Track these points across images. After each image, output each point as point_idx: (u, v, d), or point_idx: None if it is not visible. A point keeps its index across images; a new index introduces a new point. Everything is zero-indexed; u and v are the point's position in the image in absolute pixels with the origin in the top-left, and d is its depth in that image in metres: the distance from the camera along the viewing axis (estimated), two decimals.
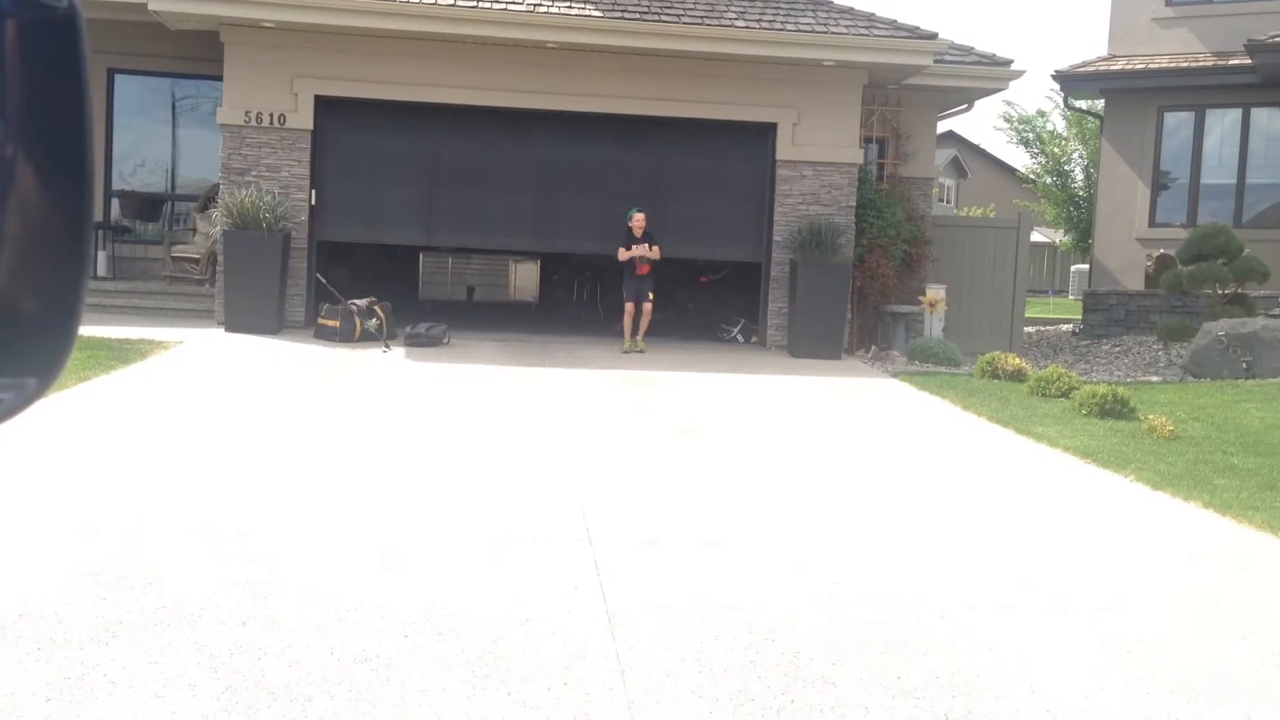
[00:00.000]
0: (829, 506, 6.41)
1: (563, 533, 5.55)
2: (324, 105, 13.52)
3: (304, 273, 13.51)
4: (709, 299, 16.76)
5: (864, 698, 3.76)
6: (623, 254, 13.13)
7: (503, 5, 13.12)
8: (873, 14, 14.26)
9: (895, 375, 12.62)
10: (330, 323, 12.77)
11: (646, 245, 13.20)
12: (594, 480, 6.72)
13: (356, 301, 12.95)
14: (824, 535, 5.78)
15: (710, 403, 10.10)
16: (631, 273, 13.29)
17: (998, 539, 5.86)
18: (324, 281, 13.08)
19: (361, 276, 15.02)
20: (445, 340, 12.91)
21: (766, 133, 14.23)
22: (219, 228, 13.27)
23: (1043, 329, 21.42)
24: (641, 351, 12.95)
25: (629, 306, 13.23)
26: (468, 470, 6.84)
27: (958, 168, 44.30)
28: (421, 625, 4.20)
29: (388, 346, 12.47)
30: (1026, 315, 18.34)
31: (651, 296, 13.18)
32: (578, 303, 17.14)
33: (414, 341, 12.67)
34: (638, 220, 13.18)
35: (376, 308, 13.00)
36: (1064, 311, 27.22)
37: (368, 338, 12.79)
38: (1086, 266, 23.43)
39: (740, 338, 15.03)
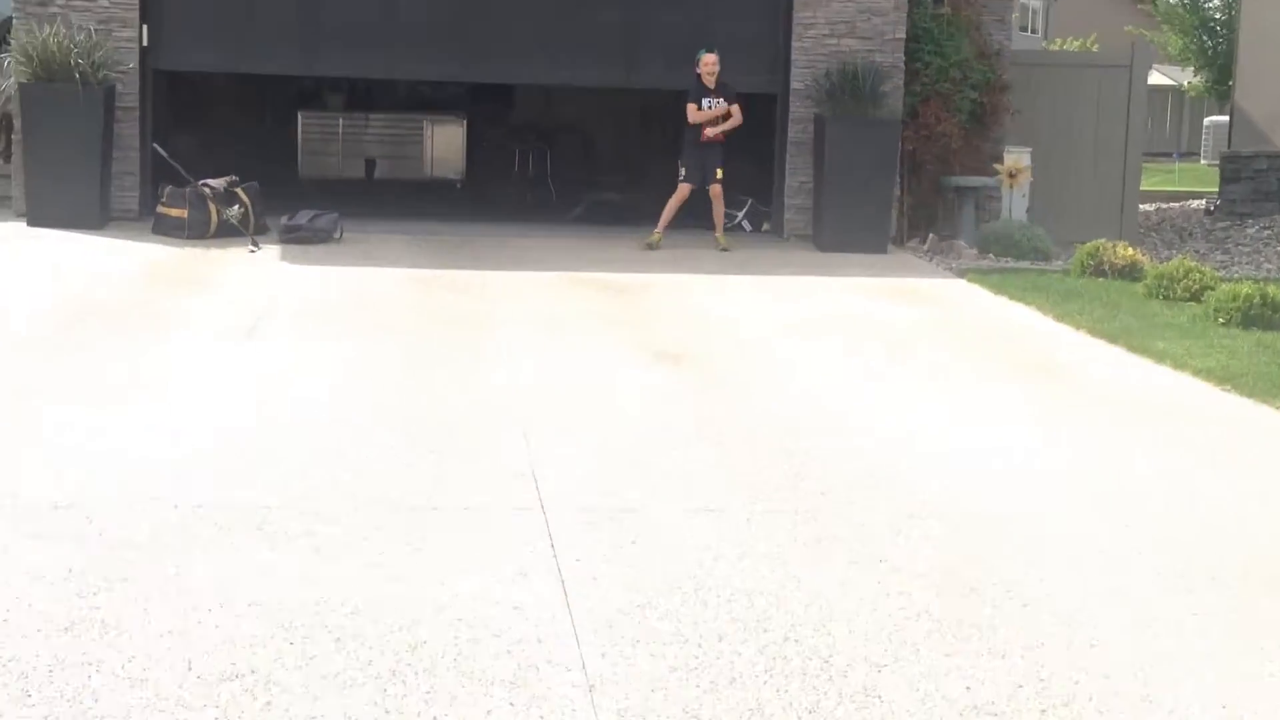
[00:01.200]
0: (868, 462, 6.47)
1: (505, 499, 5.63)
2: None
3: (136, 142, 13.44)
4: None
5: (921, 715, 3.90)
6: (694, 114, 13.25)
7: None
8: None
9: (962, 274, 12.80)
10: (175, 212, 12.77)
11: (723, 102, 13.32)
12: (546, 429, 6.77)
13: (211, 182, 12.93)
14: (859, 499, 5.85)
15: (705, 317, 10.22)
16: (695, 141, 13.41)
17: (1099, 519, 5.83)
18: (164, 154, 13.01)
19: (217, 147, 14.90)
20: (336, 235, 12.98)
21: None
22: (13, 79, 13.12)
23: (1165, 207, 21.44)
24: (725, 250, 13.38)
25: (683, 188, 13.42)
26: (375, 415, 6.89)
27: None
28: (313, 628, 4.25)
29: (256, 244, 12.48)
30: (1143, 188, 18.40)
31: (721, 174, 13.37)
32: (521, 179, 17.26)
33: (292, 236, 12.72)
34: (708, 63, 13.23)
35: (239, 190, 13.02)
36: (1194, 182, 27.18)
37: (228, 232, 12.78)
38: (1226, 119, 23.35)
39: (747, 224, 15.08)
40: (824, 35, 14.35)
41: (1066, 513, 5.88)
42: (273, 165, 15.46)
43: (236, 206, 12.94)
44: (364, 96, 16.51)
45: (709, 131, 13.35)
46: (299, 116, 16.20)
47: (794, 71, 14.38)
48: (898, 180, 14.46)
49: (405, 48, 14.02)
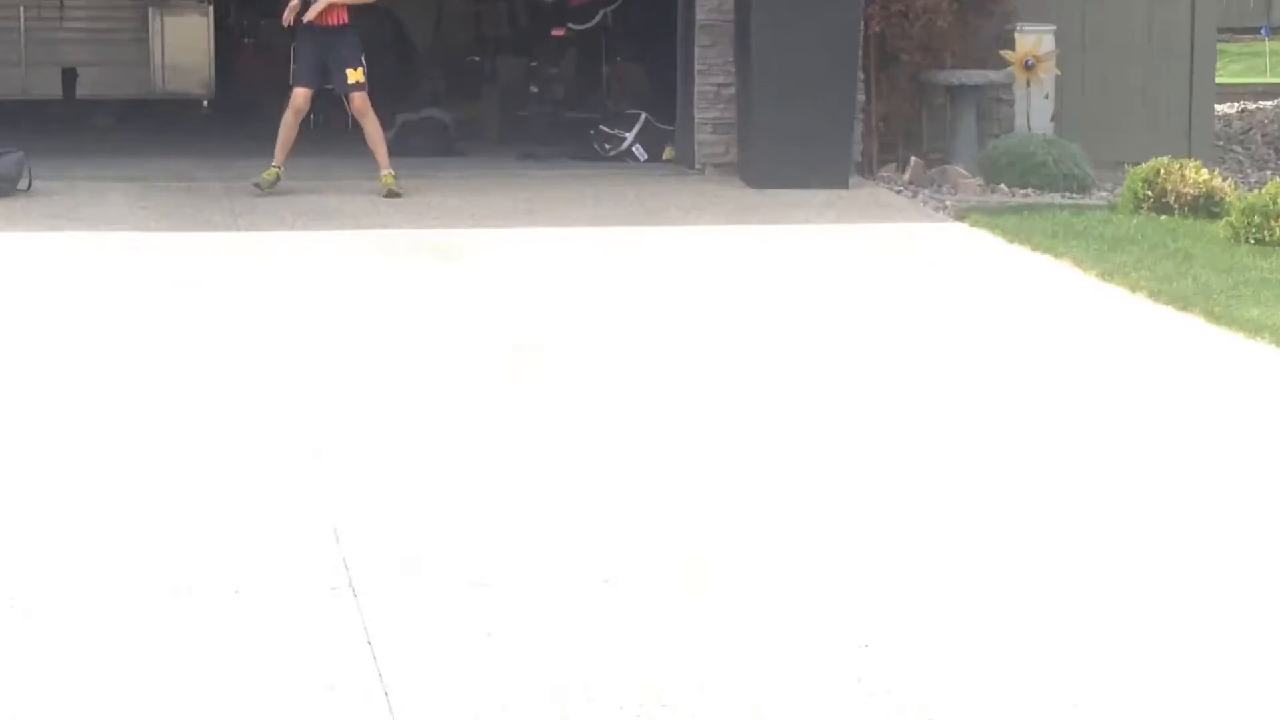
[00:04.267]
0: (789, 511, 6.56)
1: (298, 573, 5.66)
2: None
3: None
4: (572, 76, 17.43)
5: None
6: None
7: None
8: None
9: (962, 215, 12.97)
10: None
11: None
12: (352, 473, 6.85)
13: None
14: (777, 564, 5.96)
15: (572, 299, 10.35)
16: (302, 24, 13.41)
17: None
18: None
19: None
20: (22, 184, 13.01)
21: None
22: None
23: (1252, 108, 21.51)
24: (395, 194, 13.30)
25: (296, 96, 13.46)
26: (106, 463, 6.90)
27: None
28: None
29: None
30: (1219, 81, 18.36)
31: (357, 76, 13.31)
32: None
33: None
34: None
35: None
36: None
37: None
38: None
39: (640, 152, 15.43)
40: None
41: None
42: None
43: None
44: None
45: (306, 15, 13.25)
46: None
47: None
48: (861, 80, 14.49)
49: None
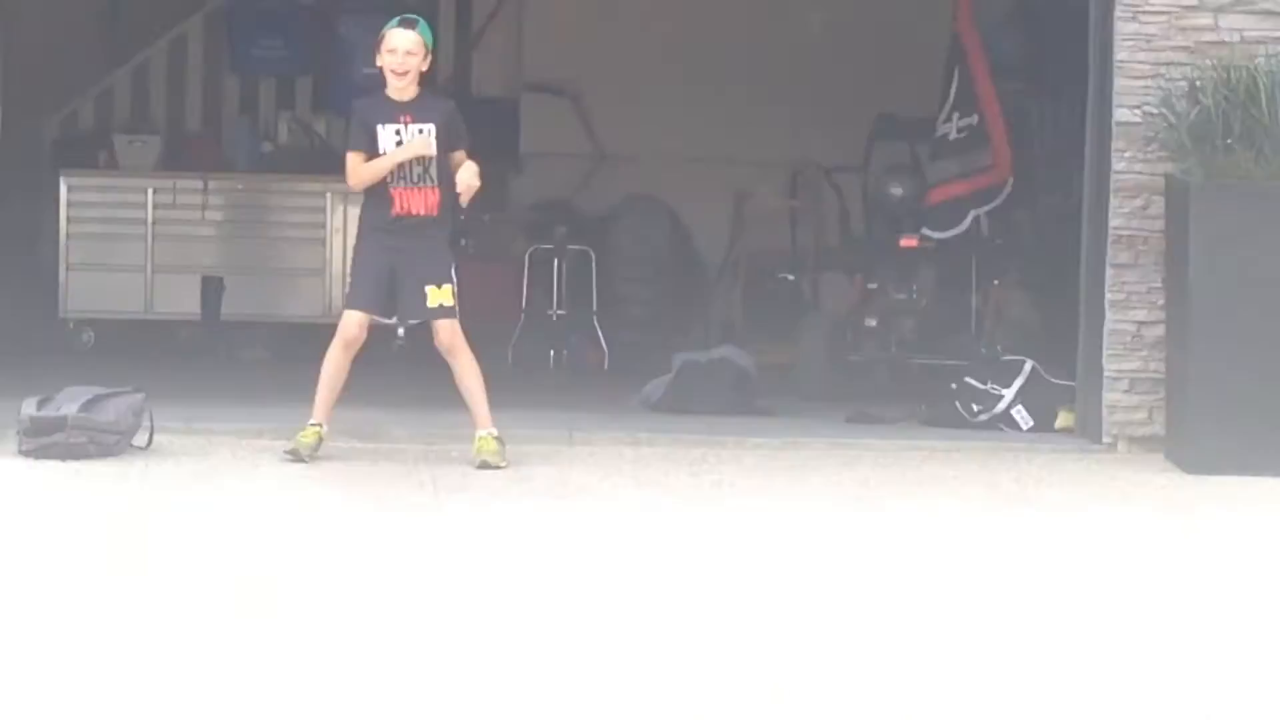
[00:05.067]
0: None
1: None
2: None
3: None
4: (927, 305, 16.40)
5: None
6: (357, 167, 11.97)
7: None
8: None
9: None
10: None
11: (430, 130, 11.90)
12: None
13: None
14: None
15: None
16: (376, 214, 12.02)
17: None
18: None
19: None
20: (139, 438, 12.25)
21: None
22: None
23: None
24: (491, 466, 11.85)
25: (347, 320, 11.95)
26: None
27: None
28: None
29: None
30: None
31: (445, 296, 11.77)
32: (537, 316, 16.96)
33: (44, 444, 11.91)
34: (397, 51, 11.82)
35: None
36: None
37: None
38: None
39: (1022, 416, 14.10)
40: (1182, 9, 13.20)
41: None
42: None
43: None
44: (196, 144, 16.25)
45: (404, 185, 11.79)
46: (61, 183, 16.04)
47: (1120, 85, 13.31)
48: None
49: None
